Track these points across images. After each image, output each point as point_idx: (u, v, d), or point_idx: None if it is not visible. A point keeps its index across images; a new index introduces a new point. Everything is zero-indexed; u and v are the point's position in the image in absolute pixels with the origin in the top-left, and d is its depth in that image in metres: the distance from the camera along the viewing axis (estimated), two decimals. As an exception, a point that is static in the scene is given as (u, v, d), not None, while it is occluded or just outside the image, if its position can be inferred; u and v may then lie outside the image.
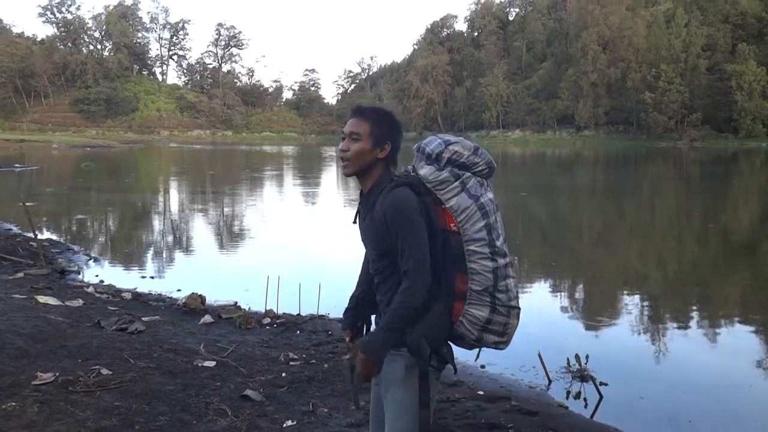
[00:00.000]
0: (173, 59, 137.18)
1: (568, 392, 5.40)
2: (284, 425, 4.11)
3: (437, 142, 2.52)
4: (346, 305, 2.70)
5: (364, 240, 2.55)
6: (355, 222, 2.63)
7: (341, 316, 2.73)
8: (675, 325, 7.82)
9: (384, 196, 2.39)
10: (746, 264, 11.66)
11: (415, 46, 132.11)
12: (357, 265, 2.74)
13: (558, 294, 9.50)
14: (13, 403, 3.95)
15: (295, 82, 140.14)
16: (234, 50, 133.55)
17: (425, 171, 2.46)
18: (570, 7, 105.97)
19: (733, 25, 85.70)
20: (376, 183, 2.48)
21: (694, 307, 8.78)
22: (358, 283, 2.73)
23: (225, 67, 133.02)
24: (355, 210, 2.61)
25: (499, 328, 2.46)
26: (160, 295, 8.13)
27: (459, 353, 6.48)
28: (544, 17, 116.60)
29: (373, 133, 2.47)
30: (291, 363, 5.42)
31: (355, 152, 2.46)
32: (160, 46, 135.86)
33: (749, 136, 75.41)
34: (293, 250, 12.16)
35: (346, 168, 2.49)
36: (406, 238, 2.33)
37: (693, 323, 7.89)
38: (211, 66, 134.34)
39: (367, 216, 2.49)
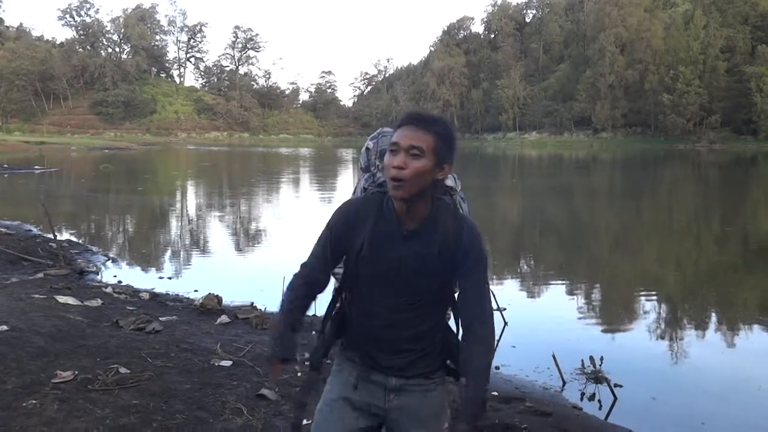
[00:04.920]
0: (191, 62, 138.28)
1: (583, 394, 5.40)
2: (299, 424, 4.13)
3: None
4: (281, 328, 2.16)
5: (404, 273, 2.08)
6: (363, 253, 2.10)
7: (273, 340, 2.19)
8: (690, 327, 7.80)
9: (460, 224, 2.09)
10: (764, 268, 11.57)
11: (432, 48, 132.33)
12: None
13: (573, 295, 9.48)
14: (34, 401, 4.02)
15: (312, 84, 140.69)
16: (251, 53, 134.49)
17: (451, 182, 2.25)
18: (587, 9, 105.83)
19: (753, 27, 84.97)
20: (433, 214, 2.08)
21: (710, 310, 8.74)
22: (292, 298, 2.18)
23: (242, 70, 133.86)
24: (370, 241, 2.10)
25: None
26: (177, 295, 8.20)
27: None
28: (561, 19, 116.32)
29: (437, 149, 2.02)
30: (306, 363, 5.45)
31: (415, 171, 1.98)
32: (178, 48, 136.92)
33: (769, 138, 74.75)
34: (309, 251, 12.20)
35: (399, 189, 2.00)
36: (484, 278, 2.09)
37: (708, 326, 7.86)
38: (228, 68, 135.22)
39: (420, 248, 2.07)
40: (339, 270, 2.25)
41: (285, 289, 2.21)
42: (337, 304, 2.29)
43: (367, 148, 2.37)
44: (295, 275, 2.23)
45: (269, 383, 4.80)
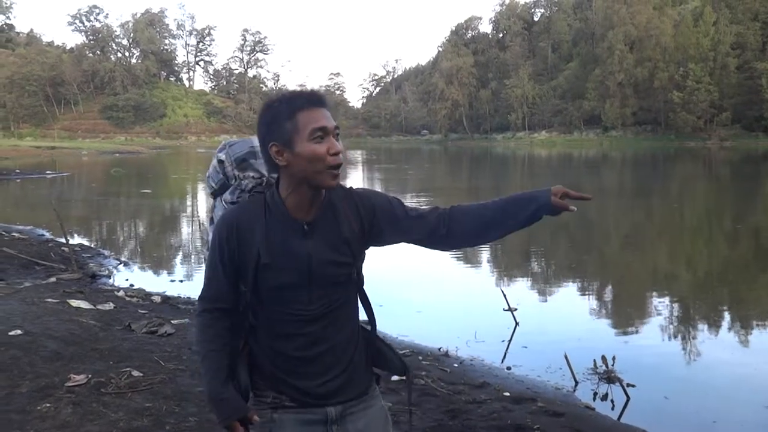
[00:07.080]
0: (200, 65, 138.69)
1: (595, 394, 5.38)
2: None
3: None
4: (219, 392, 1.83)
5: (315, 272, 1.82)
6: (263, 262, 1.80)
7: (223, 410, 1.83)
8: (702, 326, 7.75)
9: (348, 197, 1.90)
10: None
11: (440, 48, 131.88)
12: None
13: (584, 295, 9.45)
14: (48, 405, 4.05)
15: (321, 86, 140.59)
16: (259, 55, 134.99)
17: None
18: (596, 7, 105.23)
19: (763, 23, 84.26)
20: (328, 198, 1.86)
21: (721, 309, 8.68)
22: (216, 348, 1.86)
23: (251, 72, 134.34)
24: (272, 240, 1.81)
25: None
26: (189, 298, 8.22)
27: (485, 354, 6.45)
28: (569, 17, 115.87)
29: None
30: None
31: (345, 153, 1.86)
32: (187, 52, 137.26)
33: (780, 135, 74.18)
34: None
35: (339, 177, 1.81)
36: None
37: (720, 325, 7.80)
38: (237, 71, 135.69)
39: (325, 239, 1.83)
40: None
41: (196, 333, 1.91)
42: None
43: (220, 161, 2.04)
44: (200, 313, 1.91)
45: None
